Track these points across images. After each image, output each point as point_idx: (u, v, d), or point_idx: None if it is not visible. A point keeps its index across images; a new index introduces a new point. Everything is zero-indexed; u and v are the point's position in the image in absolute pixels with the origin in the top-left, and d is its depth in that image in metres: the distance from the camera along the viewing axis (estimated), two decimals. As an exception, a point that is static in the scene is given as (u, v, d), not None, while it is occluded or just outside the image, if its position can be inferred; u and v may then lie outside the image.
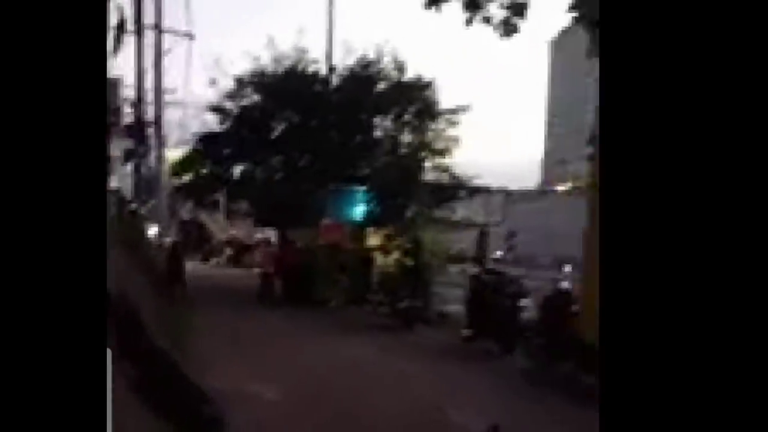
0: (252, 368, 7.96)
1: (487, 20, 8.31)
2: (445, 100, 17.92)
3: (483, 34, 16.44)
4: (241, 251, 24.44)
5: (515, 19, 8.13)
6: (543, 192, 60.62)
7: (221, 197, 23.78)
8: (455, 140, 17.55)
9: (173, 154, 23.92)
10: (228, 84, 18.30)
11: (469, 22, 8.41)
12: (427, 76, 17.77)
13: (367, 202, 15.20)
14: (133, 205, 17.84)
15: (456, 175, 17.09)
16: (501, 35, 8.28)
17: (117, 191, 17.52)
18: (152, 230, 22.21)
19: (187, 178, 21.48)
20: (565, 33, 74.37)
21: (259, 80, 18.01)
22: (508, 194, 17.07)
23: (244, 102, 18.37)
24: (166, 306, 10.83)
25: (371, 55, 17.75)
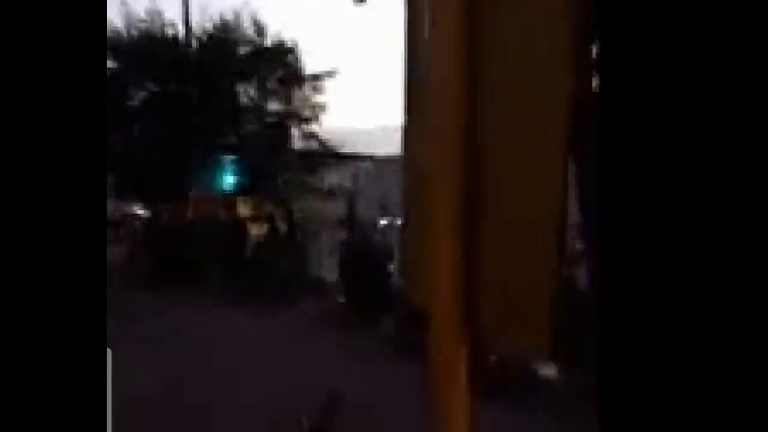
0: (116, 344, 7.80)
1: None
2: (308, 65, 17.81)
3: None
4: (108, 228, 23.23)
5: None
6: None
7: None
8: (322, 107, 17.57)
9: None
10: None
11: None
12: (288, 40, 17.60)
13: (236, 172, 14.93)
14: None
15: (324, 141, 17.17)
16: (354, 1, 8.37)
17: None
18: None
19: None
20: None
21: (112, 45, 17.07)
22: (376, 161, 17.37)
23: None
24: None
25: (230, 18, 17.29)
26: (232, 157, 15.08)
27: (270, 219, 13.68)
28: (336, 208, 14.67)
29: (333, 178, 16.48)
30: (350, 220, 13.87)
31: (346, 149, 16.82)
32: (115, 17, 17.16)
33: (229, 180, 14.70)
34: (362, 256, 10.39)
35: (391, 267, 10.18)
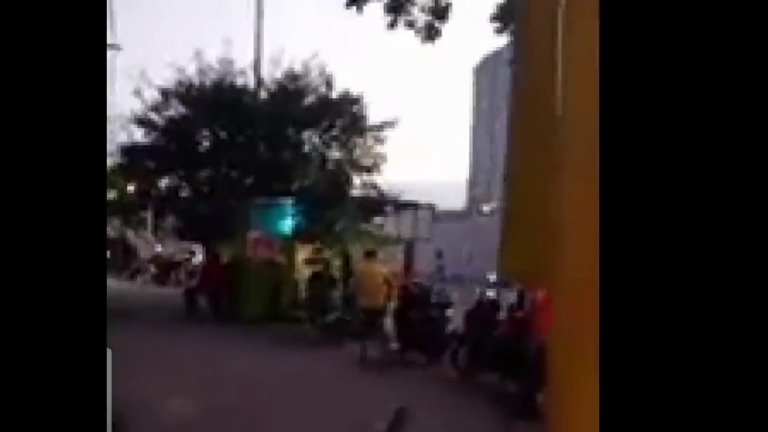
0: (169, 383, 7.70)
1: (410, 24, 8.45)
2: (372, 115, 18.10)
3: (408, 45, 16.71)
4: (166, 269, 23.78)
5: (438, 23, 8.29)
6: (468, 212, 61.36)
7: (148, 214, 23.17)
8: (382, 156, 17.75)
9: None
10: (153, 96, 17.93)
11: (392, 25, 8.54)
12: (354, 91, 17.95)
13: (295, 216, 15.03)
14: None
15: (383, 191, 17.21)
16: (423, 39, 8.42)
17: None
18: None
19: (112, 194, 20.87)
20: (487, 58, 75.89)
21: (185, 92, 17.74)
22: (434, 212, 17.25)
23: (170, 114, 18.00)
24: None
25: (298, 69, 17.76)
26: (291, 201, 15.20)
27: (326, 263, 13.61)
28: (392, 256, 14.47)
29: (391, 227, 16.37)
30: (407, 268, 13.68)
31: (406, 199, 16.84)
32: (188, 64, 17.85)
33: (287, 224, 14.78)
34: (421, 301, 10.16)
35: (449, 312, 9.93)
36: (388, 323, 10.53)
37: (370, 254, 11.03)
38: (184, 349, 10.38)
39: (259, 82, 17.88)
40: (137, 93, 17.78)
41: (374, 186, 17.36)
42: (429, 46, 8.56)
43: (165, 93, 17.78)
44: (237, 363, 9.47)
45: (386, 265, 11.36)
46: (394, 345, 10.21)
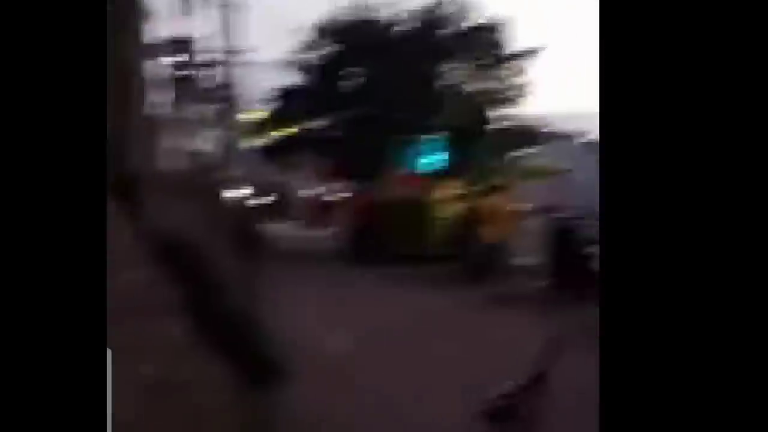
0: (323, 319, 8.05)
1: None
2: (516, 43, 17.26)
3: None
4: (321, 210, 24.66)
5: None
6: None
7: (301, 157, 24.03)
8: (525, 87, 16.96)
9: (253, 114, 24.27)
10: (302, 37, 18.23)
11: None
12: (494, 19, 17.17)
13: (440, 151, 14.74)
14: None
15: (527, 123, 16.50)
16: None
17: (198, 154, 18.03)
18: (235, 194, 22.68)
19: (268, 138, 21.80)
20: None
21: (323, 32, 17.85)
22: (584, 142, 16.35)
23: (320, 53, 18.19)
24: (245, 263, 11.08)
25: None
26: (435, 136, 15.00)
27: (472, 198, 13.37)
28: (543, 191, 13.99)
29: (538, 159, 15.78)
30: (554, 202, 13.15)
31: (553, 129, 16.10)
32: (325, 4, 17.91)
33: (431, 160, 14.64)
34: (568, 238, 9.79)
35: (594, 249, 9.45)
36: (528, 260, 10.28)
37: (495, 188, 10.72)
38: (329, 288, 10.77)
39: (396, 15, 17.60)
40: (289, 34, 18.08)
41: (517, 118, 16.70)
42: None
43: (317, 30, 17.98)
44: (383, 302, 9.70)
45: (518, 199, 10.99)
46: (543, 281, 9.96)
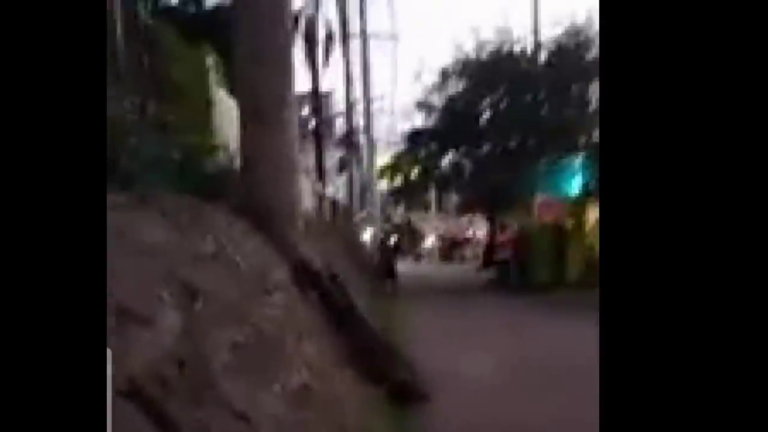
0: (462, 351, 7.79)
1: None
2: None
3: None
4: (451, 247, 24.61)
5: None
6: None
7: (431, 197, 24.20)
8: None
9: (384, 159, 24.81)
10: (434, 79, 18.33)
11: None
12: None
13: (583, 174, 13.80)
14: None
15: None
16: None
17: (334, 201, 18.60)
18: (367, 234, 23.20)
19: (398, 181, 22.14)
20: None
21: (463, 68, 17.83)
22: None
23: (450, 93, 18.29)
24: (378, 297, 11.15)
25: (580, 22, 16.73)
26: (579, 160, 14.28)
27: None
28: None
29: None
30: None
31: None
32: (466, 42, 17.88)
33: (575, 183, 13.96)
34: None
35: None
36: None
37: None
38: (471, 318, 10.46)
39: (538, 44, 17.33)
40: (417, 77, 18.49)
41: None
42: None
43: (444, 73, 18.06)
44: (524, 330, 9.26)
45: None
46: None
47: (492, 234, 16.56)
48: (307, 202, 11.03)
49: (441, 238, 26.08)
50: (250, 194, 5.13)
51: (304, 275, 5.04)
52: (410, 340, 7.44)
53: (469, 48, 17.78)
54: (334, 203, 16.73)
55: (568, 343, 7.75)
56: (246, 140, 5.37)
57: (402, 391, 5.01)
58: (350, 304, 5.50)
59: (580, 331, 8.66)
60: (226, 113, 6.61)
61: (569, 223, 13.42)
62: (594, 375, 1.29)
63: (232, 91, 6.67)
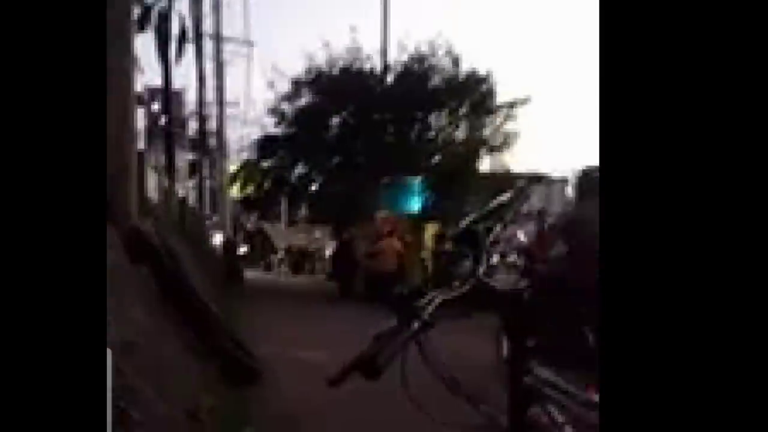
0: (301, 342, 7.84)
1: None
2: (503, 93, 17.61)
3: (536, 19, 15.93)
4: (301, 258, 24.62)
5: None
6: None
7: (282, 208, 24.07)
8: (514, 135, 17.25)
9: (235, 165, 24.38)
10: (285, 87, 18.52)
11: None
12: (482, 69, 17.56)
13: (422, 194, 14.88)
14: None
15: (511, 170, 16.77)
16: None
17: (183, 200, 17.99)
18: (217, 239, 22.61)
19: (249, 188, 21.83)
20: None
21: (314, 80, 18.10)
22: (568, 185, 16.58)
23: (301, 103, 18.52)
24: (222, 297, 10.94)
25: (425, 49, 17.62)
26: (419, 180, 15.13)
27: (452, 240, 13.36)
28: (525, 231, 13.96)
29: (524, 205, 15.82)
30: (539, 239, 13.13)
31: (535, 173, 16.26)
32: (317, 54, 18.22)
33: (414, 202, 14.69)
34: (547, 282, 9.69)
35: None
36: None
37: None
38: (312, 320, 10.56)
39: (386, 66, 17.97)
40: (270, 85, 18.47)
41: (504, 165, 16.97)
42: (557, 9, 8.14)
43: (296, 83, 18.29)
44: (364, 330, 9.43)
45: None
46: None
47: (340, 246, 16.81)
48: (154, 195, 10.61)
49: (291, 248, 25.99)
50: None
51: (137, 245, 4.86)
52: (249, 332, 7.40)
53: (321, 61, 18.15)
54: (183, 204, 16.15)
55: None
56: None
57: (234, 367, 4.97)
58: (185, 278, 5.37)
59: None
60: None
61: (408, 238, 14.00)
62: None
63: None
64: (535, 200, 15.22)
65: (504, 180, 16.54)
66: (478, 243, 1.76)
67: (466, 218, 2.30)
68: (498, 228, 1.63)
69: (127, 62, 5.27)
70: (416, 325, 1.29)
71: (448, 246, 13.09)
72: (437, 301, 1.34)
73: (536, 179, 15.68)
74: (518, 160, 17.17)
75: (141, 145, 22.83)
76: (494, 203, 1.75)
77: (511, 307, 1.46)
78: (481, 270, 1.49)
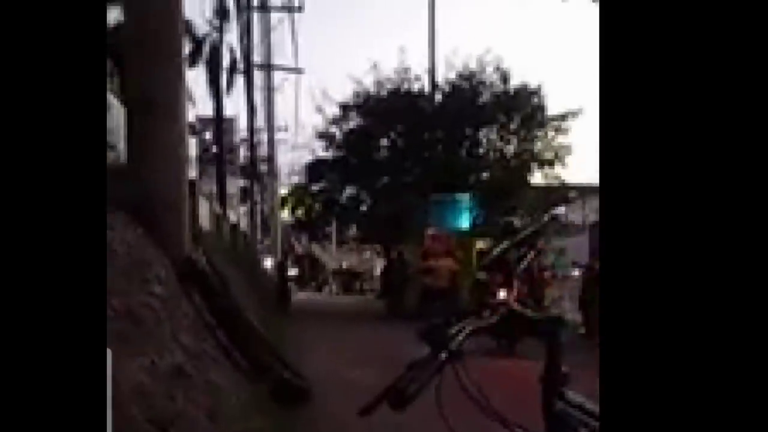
0: (348, 362, 7.85)
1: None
2: (554, 105, 17.43)
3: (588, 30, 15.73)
4: (351, 278, 24.71)
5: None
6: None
7: (332, 229, 24.26)
8: (566, 148, 16.99)
9: (286, 189, 24.74)
10: (334, 111, 18.66)
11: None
12: (532, 83, 17.41)
13: (472, 210, 14.71)
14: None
15: (565, 182, 16.53)
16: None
17: (234, 226, 18.36)
18: (269, 262, 22.95)
19: (299, 211, 22.11)
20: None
21: (362, 104, 18.24)
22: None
23: (350, 126, 18.66)
24: (272, 317, 11.07)
25: (473, 66, 17.59)
26: (468, 196, 15.00)
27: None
28: (580, 244, 13.69)
29: (575, 215, 15.56)
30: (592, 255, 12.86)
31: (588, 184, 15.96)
32: (365, 77, 18.35)
33: (464, 218, 14.57)
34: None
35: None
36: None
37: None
38: (355, 341, 10.56)
39: (434, 85, 18.00)
40: (318, 110, 18.72)
41: (557, 178, 16.72)
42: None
43: (344, 107, 18.47)
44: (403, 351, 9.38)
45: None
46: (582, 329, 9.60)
47: (388, 264, 16.80)
48: (206, 223, 10.84)
49: (341, 269, 26.14)
50: (133, 185, 5.00)
51: (189, 272, 4.97)
52: (297, 352, 7.45)
53: (369, 83, 18.28)
54: (234, 229, 16.47)
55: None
56: (132, 133, 5.26)
57: (283, 388, 5.01)
58: (234, 304, 5.47)
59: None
60: (116, 117, 6.48)
61: (459, 254, 13.85)
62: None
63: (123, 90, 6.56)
64: (589, 211, 14.98)
65: (556, 192, 16.32)
66: (510, 271, 1.76)
67: (498, 246, 2.30)
68: (530, 255, 1.64)
69: (180, 94, 5.38)
70: (444, 356, 1.29)
71: (480, 275, 12.85)
72: (467, 330, 1.34)
73: (588, 191, 15.40)
74: (571, 173, 16.75)
75: (193, 173, 23.59)
76: (526, 231, 1.75)
77: (544, 333, 1.44)
78: (512, 297, 1.49)
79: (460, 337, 1.32)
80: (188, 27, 17.48)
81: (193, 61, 18.86)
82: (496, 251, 1.70)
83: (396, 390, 1.23)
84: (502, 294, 6.03)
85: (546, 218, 14.47)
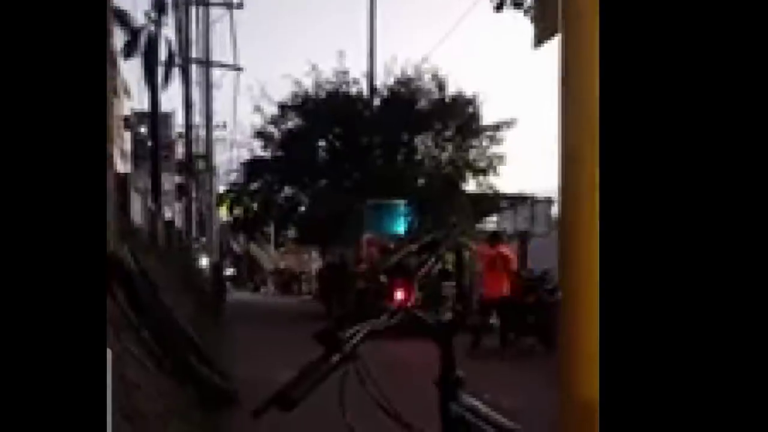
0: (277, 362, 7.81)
1: (518, 4, 8.19)
2: (489, 115, 17.76)
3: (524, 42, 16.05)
4: (289, 279, 24.55)
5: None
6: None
7: (270, 229, 24.05)
8: (499, 157, 17.38)
9: (224, 187, 24.43)
10: (273, 111, 18.63)
11: (499, 7, 8.36)
12: (468, 91, 17.76)
13: (408, 215, 14.98)
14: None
15: (499, 191, 16.89)
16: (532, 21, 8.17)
17: (170, 223, 17.99)
18: (204, 261, 22.56)
19: (237, 210, 21.84)
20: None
21: (301, 104, 18.25)
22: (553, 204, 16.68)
23: (288, 126, 18.60)
24: (204, 319, 10.92)
25: (411, 73, 17.81)
26: (403, 201, 15.21)
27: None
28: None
29: (507, 223, 15.89)
30: (520, 260, 13.18)
31: (520, 194, 16.36)
32: (305, 79, 18.37)
33: (400, 223, 14.75)
34: (532, 289, 9.77)
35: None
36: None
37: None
38: (291, 341, 10.49)
39: (373, 89, 18.15)
40: (257, 109, 18.57)
41: (490, 188, 17.10)
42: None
43: (282, 107, 18.40)
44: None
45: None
46: (511, 335, 9.82)
47: (326, 267, 16.82)
48: (139, 219, 10.60)
49: (279, 269, 25.94)
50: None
51: (112, 271, 4.87)
52: (229, 354, 7.37)
53: (308, 84, 18.31)
54: (170, 227, 16.14)
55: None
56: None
57: (208, 391, 4.96)
58: (160, 303, 5.39)
59: (404, 347, 9.04)
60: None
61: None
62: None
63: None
64: (520, 220, 15.35)
65: (489, 201, 16.66)
66: (410, 275, 1.83)
67: (398, 253, 2.34)
68: (431, 261, 1.70)
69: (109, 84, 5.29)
70: (336, 358, 1.33)
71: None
72: (363, 332, 1.38)
73: (521, 199, 15.78)
74: (504, 181, 17.16)
75: (128, 168, 23.06)
76: (427, 238, 1.82)
77: (439, 337, 1.50)
78: (410, 301, 1.54)
79: (355, 340, 1.37)
80: (123, 17, 17.14)
81: (128, 53, 18.46)
82: (396, 256, 1.75)
83: (283, 393, 1.27)
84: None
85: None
